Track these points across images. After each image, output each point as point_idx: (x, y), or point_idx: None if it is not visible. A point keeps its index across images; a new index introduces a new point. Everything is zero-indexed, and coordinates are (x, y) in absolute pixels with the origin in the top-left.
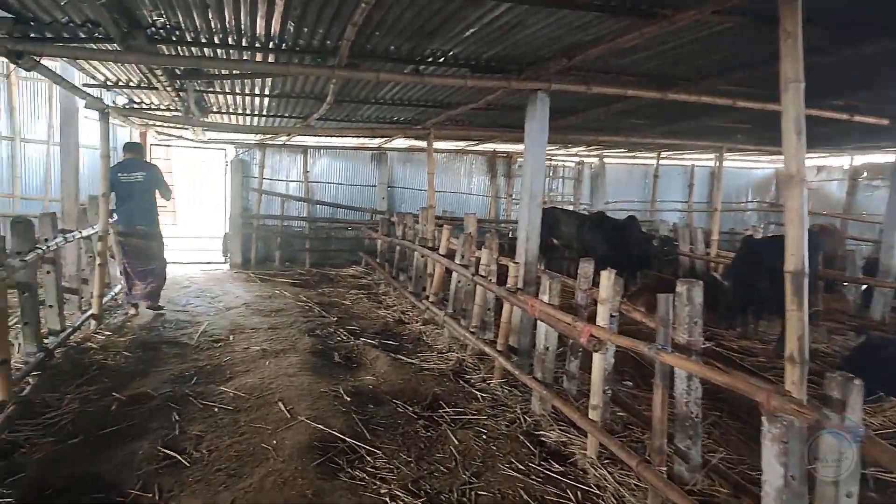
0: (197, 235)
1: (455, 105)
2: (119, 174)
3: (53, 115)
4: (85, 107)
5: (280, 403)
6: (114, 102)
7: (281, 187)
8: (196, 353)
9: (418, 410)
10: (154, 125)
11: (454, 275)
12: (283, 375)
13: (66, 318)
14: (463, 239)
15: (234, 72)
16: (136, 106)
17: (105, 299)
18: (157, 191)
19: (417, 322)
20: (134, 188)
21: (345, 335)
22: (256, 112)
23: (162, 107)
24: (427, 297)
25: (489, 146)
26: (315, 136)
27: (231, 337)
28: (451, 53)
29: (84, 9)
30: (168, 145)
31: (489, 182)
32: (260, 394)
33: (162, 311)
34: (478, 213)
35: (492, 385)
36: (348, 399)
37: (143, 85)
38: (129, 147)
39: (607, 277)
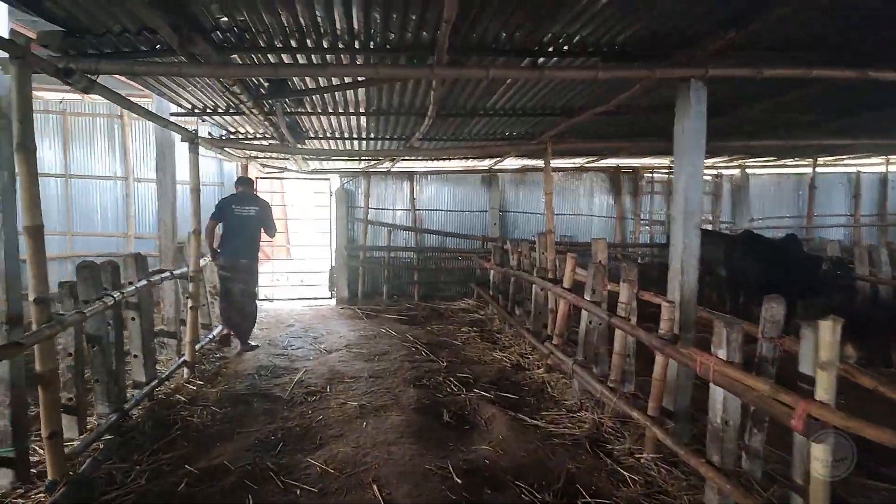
0: (306, 270)
1: (578, 111)
2: (234, 206)
3: None
4: (182, 140)
5: (375, 486)
6: (209, 134)
7: (387, 216)
8: (288, 409)
9: (550, 499)
10: (255, 157)
11: (584, 313)
12: (381, 443)
13: (163, 364)
14: (593, 270)
15: (320, 80)
16: (232, 136)
17: (202, 343)
18: (262, 228)
19: (539, 368)
20: (246, 222)
21: (455, 385)
22: (355, 135)
23: (258, 136)
24: (549, 338)
25: (611, 161)
26: (420, 159)
27: (328, 388)
28: (577, 39)
29: (135, 11)
30: (273, 177)
31: (613, 201)
32: (352, 470)
33: (255, 347)
34: (601, 236)
35: (643, 461)
36: (459, 481)
37: (231, 111)
38: (242, 181)
39: (831, 330)
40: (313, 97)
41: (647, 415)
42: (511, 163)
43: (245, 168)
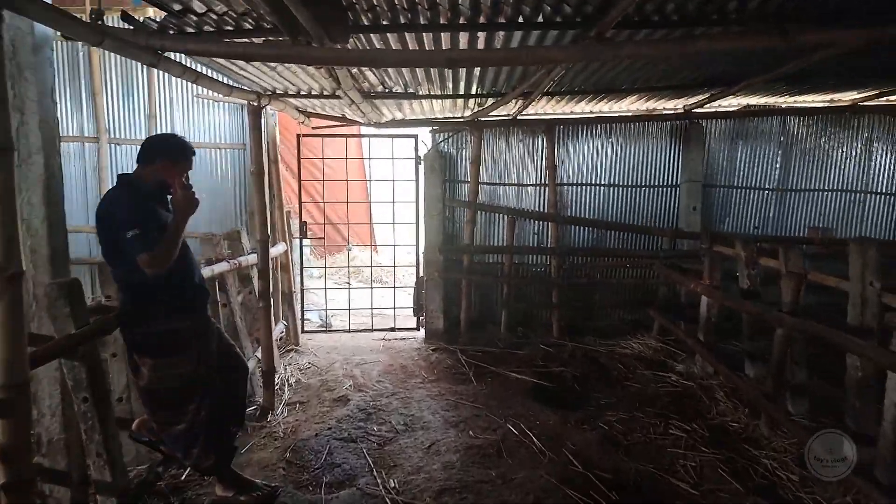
0: (384, 285)
1: None
2: None
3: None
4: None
5: None
6: (121, 20)
7: (509, 196)
8: None
9: None
10: (266, 90)
11: None
12: None
13: None
14: None
15: None
16: (191, 29)
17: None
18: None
19: None
20: None
21: None
22: (462, 20)
23: (247, 22)
24: None
25: None
26: (594, 96)
27: None
28: None
29: None
30: (319, 135)
31: None
32: None
33: (257, 494)
34: (877, 226)
35: None
36: None
37: None
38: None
39: None
40: None
41: None
42: (727, 102)
43: (255, 111)
